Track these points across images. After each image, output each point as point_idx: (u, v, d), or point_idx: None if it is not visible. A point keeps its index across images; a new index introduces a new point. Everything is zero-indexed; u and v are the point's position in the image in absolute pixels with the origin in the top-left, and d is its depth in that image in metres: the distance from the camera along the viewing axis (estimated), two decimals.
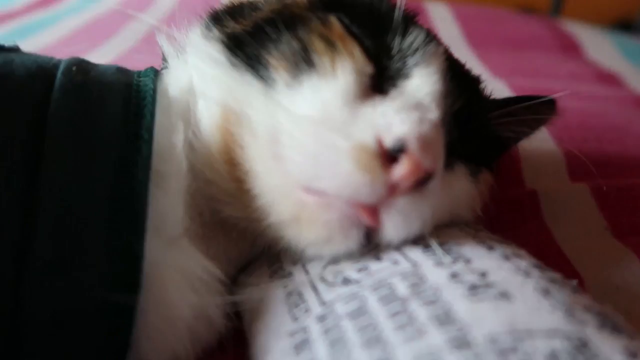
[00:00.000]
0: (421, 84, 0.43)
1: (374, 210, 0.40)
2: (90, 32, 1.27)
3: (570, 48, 1.33)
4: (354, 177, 0.38)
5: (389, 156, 0.39)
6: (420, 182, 0.39)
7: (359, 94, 0.42)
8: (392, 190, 0.39)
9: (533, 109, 0.56)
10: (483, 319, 0.31)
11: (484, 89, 0.51)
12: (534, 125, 0.59)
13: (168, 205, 0.43)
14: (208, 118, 0.46)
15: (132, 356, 0.40)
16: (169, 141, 0.44)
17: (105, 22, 1.32)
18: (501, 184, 0.55)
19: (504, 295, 0.33)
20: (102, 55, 1.08)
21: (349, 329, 0.35)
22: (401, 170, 0.38)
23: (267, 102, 0.43)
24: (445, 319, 0.32)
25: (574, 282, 0.38)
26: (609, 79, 1.15)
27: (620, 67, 1.21)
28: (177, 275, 0.42)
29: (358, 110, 0.41)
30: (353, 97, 0.41)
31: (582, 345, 0.29)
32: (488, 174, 0.51)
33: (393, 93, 0.43)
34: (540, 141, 0.79)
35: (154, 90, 0.46)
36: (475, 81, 0.50)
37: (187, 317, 0.42)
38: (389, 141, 0.39)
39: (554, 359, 0.28)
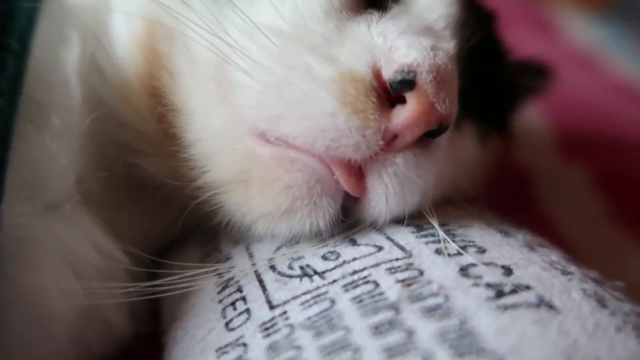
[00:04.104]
0: (433, 3, 0.32)
1: (358, 172, 0.28)
2: None
3: (547, 29, 1.26)
4: (336, 119, 0.26)
5: (387, 93, 0.27)
6: (429, 134, 0.27)
7: (348, 4, 0.30)
8: (390, 142, 0.27)
9: (527, 72, 0.46)
10: (524, 343, 0.20)
11: (499, 29, 0.40)
12: (535, 84, 0.49)
13: (47, 153, 0.29)
14: (126, 31, 0.33)
15: None
16: (56, 59, 0.30)
17: None
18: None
19: (546, 305, 0.22)
20: None
21: (309, 348, 0.22)
22: (407, 113, 0.27)
23: (214, 6, 0.30)
24: (463, 342, 0.20)
25: (620, 284, 0.28)
26: (586, 62, 1.09)
27: (599, 51, 1.15)
28: (55, 257, 0.28)
29: (345, 27, 0.29)
30: (339, 7, 0.30)
31: None
32: (497, 139, 0.40)
33: (395, 10, 0.31)
34: (528, 118, 0.73)
35: None
36: (491, 17, 0.38)
37: (67, 315, 0.29)
38: (390, 71, 0.27)
39: None
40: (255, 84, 0.28)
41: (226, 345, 0.25)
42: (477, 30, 0.33)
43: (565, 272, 0.26)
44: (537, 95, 0.51)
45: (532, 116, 0.75)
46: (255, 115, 0.28)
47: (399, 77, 0.27)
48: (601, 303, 0.23)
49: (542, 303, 0.22)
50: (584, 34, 1.23)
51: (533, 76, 0.46)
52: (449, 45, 0.30)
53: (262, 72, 0.28)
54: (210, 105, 0.30)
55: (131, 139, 0.33)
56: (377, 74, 0.27)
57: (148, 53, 0.32)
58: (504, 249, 0.27)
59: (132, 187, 0.34)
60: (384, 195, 0.28)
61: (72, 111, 0.30)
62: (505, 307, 0.22)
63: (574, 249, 0.52)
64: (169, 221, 0.35)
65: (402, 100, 0.27)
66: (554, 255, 0.28)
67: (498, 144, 0.42)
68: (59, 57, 0.30)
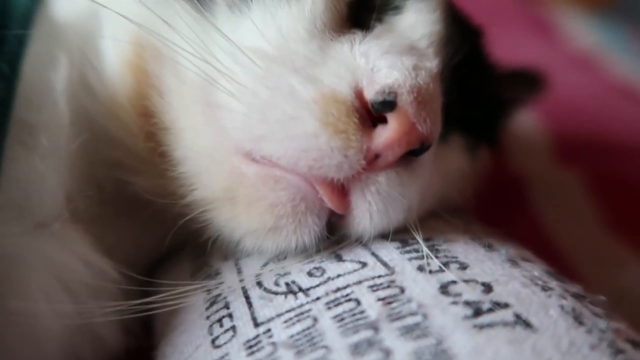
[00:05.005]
0: (416, 21, 0.32)
1: (342, 190, 0.28)
2: None
3: (546, 30, 1.26)
4: (318, 139, 0.27)
5: (369, 114, 0.28)
6: (411, 152, 0.28)
7: (331, 24, 0.31)
8: (372, 162, 0.28)
9: (520, 80, 0.47)
10: None
11: (486, 43, 0.40)
12: (522, 97, 0.50)
13: (36, 173, 0.29)
14: (115, 51, 0.33)
15: None
16: (45, 80, 0.31)
17: None
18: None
19: (522, 323, 0.23)
20: None
21: None
22: (387, 133, 0.27)
23: (200, 28, 0.31)
24: None
25: (602, 298, 0.28)
26: (584, 63, 1.09)
27: (598, 51, 1.14)
28: (46, 275, 0.29)
29: (328, 47, 0.30)
30: (322, 27, 0.30)
31: None
32: (486, 149, 0.40)
33: (378, 29, 0.31)
34: (524, 123, 0.73)
35: (29, 9, 0.32)
36: (477, 32, 0.39)
37: (58, 334, 0.29)
38: (371, 92, 0.27)
39: None
40: (240, 106, 0.28)
41: None
42: (461, 47, 0.34)
43: (545, 288, 0.26)
44: (526, 106, 0.51)
45: (528, 121, 0.75)
46: (241, 136, 0.29)
47: (380, 98, 0.27)
48: (578, 320, 0.23)
49: (519, 321, 0.23)
50: (584, 35, 1.23)
51: (522, 87, 0.47)
52: (432, 64, 0.30)
53: (247, 94, 0.28)
54: (198, 125, 0.31)
55: (121, 156, 0.33)
56: (359, 95, 0.28)
57: (137, 72, 0.33)
58: (486, 264, 0.28)
59: (121, 203, 0.34)
60: (367, 212, 0.29)
61: (60, 132, 0.30)
62: (482, 327, 0.22)
63: (565, 255, 0.52)
64: (159, 236, 0.36)
65: (384, 120, 0.28)
66: (536, 270, 0.28)
67: (487, 154, 0.43)
68: (48, 78, 0.31)
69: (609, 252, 0.52)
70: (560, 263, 0.50)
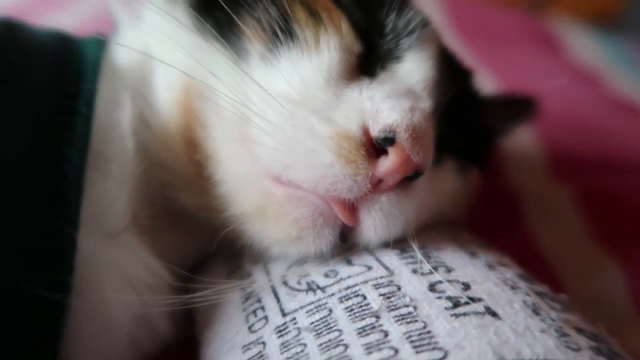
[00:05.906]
0: (414, 69, 0.38)
1: (352, 207, 0.35)
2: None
3: (551, 45, 1.29)
4: (334, 168, 0.33)
5: (374, 147, 0.34)
6: (408, 177, 0.34)
7: (344, 74, 0.37)
8: (376, 185, 0.34)
9: (514, 106, 0.54)
10: (465, 342, 0.27)
11: (475, 82, 0.47)
12: (515, 123, 0.57)
13: (109, 194, 0.37)
14: (166, 92, 0.40)
15: None
16: (113, 118, 0.38)
17: None
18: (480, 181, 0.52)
19: (489, 313, 0.29)
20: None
21: (311, 345, 0.30)
22: (388, 164, 0.34)
23: (237, 76, 0.37)
24: (421, 340, 0.27)
25: (564, 296, 0.34)
26: (588, 78, 1.12)
27: (602, 66, 1.18)
28: (116, 275, 0.36)
29: (342, 93, 0.36)
30: (337, 77, 0.36)
31: None
32: (476, 171, 0.47)
33: (382, 76, 0.38)
34: (522, 140, 0.77)
35: (97, 58, 0.40)
36: (467, 73, 0.46)
37: (125, 322, 0.36)
38: (375, 130, 0.34)
39: None
40: (270, 140, 0.35)
41: (249, 344, 0.33)
42: (452, 87, 0.40)
43: (513, 287, 0.33)
44: (515, 131, 0.58)
45: (526, 136, 0.79)
46: (271, 164, 0.35)
47: (383, 135, 0.34)
48: (535, 312, 0.30)
49: (488, 312, 0.29)
50: (588, 51, 1.26)
51: (513, 115, 0.53)
52: (426, 104, 0.36)
53: (276, 131, 0.35)
54: (234, 154, 0.37)
55: (171, 178, 0.40)
56: (365, 132, 0.34)
57: (185, 109, 0.39)
58: (468, 268, 0.34)
59: (172, 217, 0.41)
60: (372, 226, 0.35)
61: (128, 161, 0.38)
62: (458, 315, 0.29)
63: (552, 263, 0.58)
64: (201, 243, 0.43)
65: (386, 152, 0.34)
66: (509, 273, 0.35)
67: (478, 174, 0.49)
68: (116, 116, 0.38)
69: (592, 261, 0.58)
70: (546, 270, 0.56)
